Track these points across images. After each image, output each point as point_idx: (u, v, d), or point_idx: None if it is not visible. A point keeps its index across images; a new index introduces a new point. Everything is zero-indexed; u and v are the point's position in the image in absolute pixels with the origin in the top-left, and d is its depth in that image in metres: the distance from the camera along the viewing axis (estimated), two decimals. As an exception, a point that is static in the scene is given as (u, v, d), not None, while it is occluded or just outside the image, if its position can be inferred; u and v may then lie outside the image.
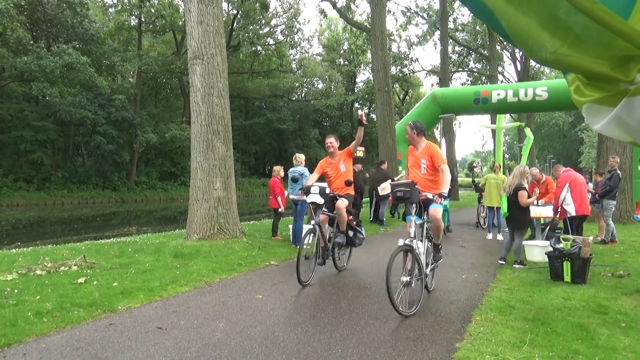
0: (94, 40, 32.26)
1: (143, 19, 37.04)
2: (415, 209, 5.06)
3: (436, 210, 5.28)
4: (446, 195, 5.12)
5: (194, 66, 9.43)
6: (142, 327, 4.20)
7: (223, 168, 9.45)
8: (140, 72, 35.60)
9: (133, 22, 37.32)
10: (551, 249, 6.49)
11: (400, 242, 4.82)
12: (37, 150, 29.26)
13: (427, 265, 5.33)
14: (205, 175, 9.28)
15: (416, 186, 5.00)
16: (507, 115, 30.26)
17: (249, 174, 46.08)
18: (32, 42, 29.03)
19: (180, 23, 35.48)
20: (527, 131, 17.52)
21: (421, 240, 5.24)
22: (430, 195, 5.13)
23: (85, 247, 8.40)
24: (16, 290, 5.16)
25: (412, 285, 4.79)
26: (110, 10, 37.59)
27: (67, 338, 3.90)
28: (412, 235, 4.92)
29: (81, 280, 5.69)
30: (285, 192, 9.62)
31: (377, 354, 3.69)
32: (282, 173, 9.70)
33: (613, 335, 4.12)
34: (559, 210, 7.98)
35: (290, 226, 9.49)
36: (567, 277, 6.19)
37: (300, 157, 9.29)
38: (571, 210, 7.71)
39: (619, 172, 9.91)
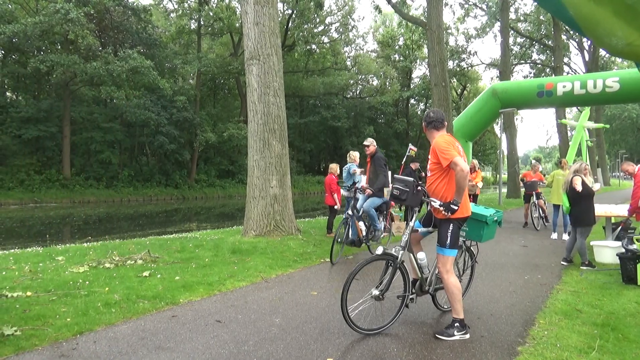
0: (157, 45, 33.79)
1: (202, 23, 38.30)
2: (416, 214, 4.21)
3: (440, 260, 4.10)
4: (457, 206, 3.92)
5: (250, 66, 9.63)
6: (202, 320, 4.35)
7: (279, 166, 9.59)
8: (199, 73, 36.83)
9: (193, 26, 38.67)
10: (623, 250, 6.09)
11: (379, 250, 4.06)
12: (105, 150, 31.04)
13: (429, 283, 4.45)
14: (262, 173, 9.46)
15: (419, 187, 4.13)
16: (574, 110, 28.72)
17: (304, 172, 46.53)
18: (100, 48, 30.78)
19: (237, 25, 36.37)
20: (581, 130, 16.46)
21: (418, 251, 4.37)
22: (436, 204, 4.01)
23: (150, 242, 8.81)
24: (87, 282, 5.50)
25: (383, 300, 4.10)
26: (171, 15, 39.18)
27: (133, 328, 4.10)
28: (403, 244, 4.13)
29: (146, 273, 5.98)
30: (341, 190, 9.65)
31: (433, 354, 3.62)
32: (338, 170, 9.77)
33: (694, 344, 3.81)
34: (636, 209, 7.40)
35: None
36: (641, 281, 5.79)
37: (354, 154, 9.25)
38: None
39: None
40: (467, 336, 4.02)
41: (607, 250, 7.38)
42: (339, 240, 7.34)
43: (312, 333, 4.04)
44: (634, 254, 5.85)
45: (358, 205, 7.62)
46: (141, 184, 32.59)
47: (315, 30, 43.56)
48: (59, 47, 29.49)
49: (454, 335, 3.98)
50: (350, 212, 7.51)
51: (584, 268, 6.93)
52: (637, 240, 5.99)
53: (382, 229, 8.06)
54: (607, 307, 4.90)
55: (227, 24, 37.53)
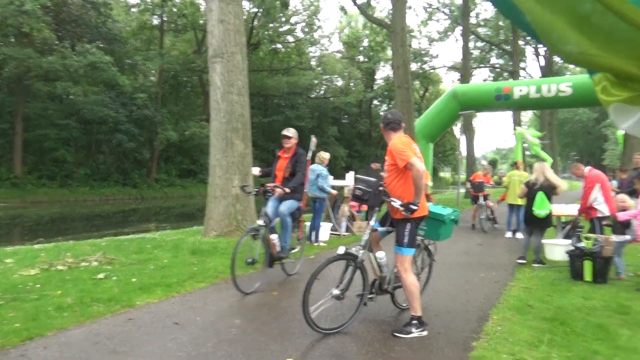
0: (117, 40, 32.76)
1: (165, 18, 37.45)
2: (376, 213, 4.26)
3: (399, 259, 4.19)
4: (416, 207, 3.99)
5: (214, 64, 9.51)
6: (159, 323, 4.27)
7: (242, 165, 9.51)
8: (161, 70, 36.00)
9: (155, 22, 37.73)
10: (572, 247, 6.37)
11: (341, 250, 4.05)
12: (60, 148, 29.87)
13: (388, 282, 4.52)
14: (224, 172, 9.36)
15: (381, 187, 4.13)
16: (529, 113, 29.75)
17: (268, 172, 46.28)
18: (57, 42, 29.62)
19: (201, 22, 35.74)
20: (520, 136, 17.06)
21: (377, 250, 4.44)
22: (396, 204, 4.03)
23: (106, 243, 8.56)
24: (38, 285, 5.28)
25: (343, 299, 4.10)
26: (132, 10, 38.11)
27: (86, 332, 3.98)
28: (363, 243, 4.17)
29: (101, 275, 5.80)
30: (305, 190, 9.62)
31: (392, 352, 3.68)
32: None
33: (634, 335, 4.03)
34: (586, 210, 7.74)
35: (307, 223, 9.52)
36: (588, 277, 6.07)
37: (324, 156, 9.21)
38: (604, 209, 7.39)
39: (644, 170, 9.65)
40: (425, 333, 4.10)
41: (557, 248, 7.69)
42: (249, 260, 5.57)
43: (272, 334, 4.03)
44: (582, 251, 6.13)
45: (269, 211, 5.87)
46: (98, 183, 31.54)
47: (281, 30, 43.35)
48: (13, 40, 28.20)
49: (412, 332, 4.06)
50: (261, 221, 5.67)
51: (536, 265, 7.20)
52: (585, 238, 6.27)
53: (304, 240, 6.92)
54: (556, 302, 5.11)
55: (190, 21, 36.85)
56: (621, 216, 6.30)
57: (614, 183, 10.68)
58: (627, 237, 6.22)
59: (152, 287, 5.39)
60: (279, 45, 43.72)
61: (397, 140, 4.17)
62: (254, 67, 41.71)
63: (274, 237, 5.87)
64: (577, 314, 4.67)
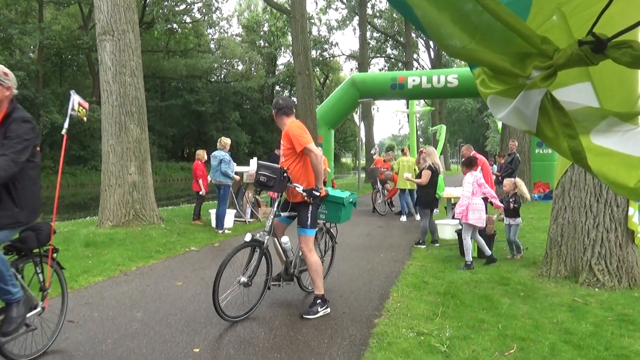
0: (-14, 10, 29.04)
1: (44, -12, 33.86)
2: (279, 199, 4.36)
3: (303, 240, 4.29)
4: (319, 192, 4.17)
5: (103, 42, 8.84)
6: (50, 322, 3.94)
7: (138, 151, 9.02)
8: (42, 47, 32.61)
9: (32, -9, 33.99)
10: (460, 227, 6.93)
11: (248, 237, 4.03)
12: None
13: (294, 266, 4.59)
14: (118, 159, 8.81)
15: (285, 174, 4.13)
16: (421, 101, 31.62)
17: (167, 158, 44.21)
18: None
19: (86, -5, 32.89)
20: (443, 129, 18.33)
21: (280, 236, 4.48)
22: (299, 189, 4.10)
23: (-18, 239, 7.68)
24: None
25: (251, 286, 4.11)
26: (4, -24, 33.93)
27: (-37, 338, 3.56)
28: (267, 229, 4.21)
29: (-22, 274, 5.21)
30: (209, 177, 9.40)
31: (299, 334, 3.78)
32: (205, 157, 9.52)
33: (513, 304, 4.54)
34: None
35: (211, 211, 9.34)
36: (474, 253, 6.67)
37: (225, 141, 9.05)
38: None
39: (517, 155, 10.77)
40: (329, 310, 4.31)
41: (447, 228, 8.34)
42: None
43: (177, 325, 3.93)
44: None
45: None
46: (-31, 172, 28.07)
47: (177, 9, 41.34)
48: None
49: (318, 312, 4.22)
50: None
51: (421, 246, 7.67)
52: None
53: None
54: (448, 278, 5.57)
55: (74, -7, 33.74)
56: (495, 202, 6.75)
57: (495, 167, 11.78)
58: (519, 219, 6.69)
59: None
60: (175, 25, 41.68)
61: (293, 124, 4.24)
62: (149, 48, 39.38)
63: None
64: (465, 287, 5.13)
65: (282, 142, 4.32)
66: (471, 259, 6.13)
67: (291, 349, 3.47)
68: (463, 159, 7.29)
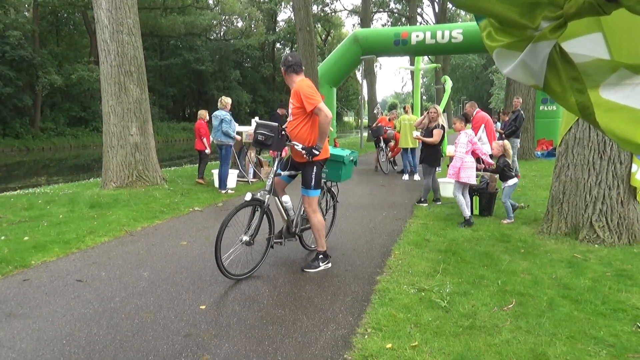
0: (-24, -34, 28.16)
1: (35, -57, 32.68)
2: (278, 158, 4.33)
3: (307, 201, 4.34)
4: (318, 151, 4.12)
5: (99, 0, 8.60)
6: (59, 281, 4.03)
7: (138, 112, 8.95)
8: (37, 4, 31.79)
9: (23, -54, 32.87)
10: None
11: (248, 196, 4.00)
12: None
13: (296, 225, 4.61)
14: (119, 120, 8.75)
15: (283, 132, 4.14)
16: (425, 58, 31.00)
17: (168, 118, 43.93)
18: None
19: (79, -51, 31.78)
20: (448, 81, 18.01)
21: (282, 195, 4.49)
22: (298, 147, 4.11)
23: (-12, 201, 7.75)
24: None
25: (253, 244, 4.16)
26: None
27: (-25, 297, 3.66)
28: (267, 188, 4.22)
29: (-14, 236, 5.29)
30: (210, 137, 9.37)
31: (302, 291, 3.85)
32: (207, 117, 9.48)
33: (513, 260, 4.60)
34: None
35: (214, 171, 9.36)
36: (476, 211, 6.72)
37: (226, 100, 8.97)
38: (487, 149, 8.08)
39: (522, 112, 10.64)
40: (329, 265, 4.43)
41: (449, 186, 8.33)
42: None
43: (183, 283, 4.01)
44: (471, 187, 6.71)
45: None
46: (-30, 134, 28.02)
47: (173, -37, 40.07)
48: None
49: (319, 266, 4.34)
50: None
51: (422, 205, 7.71)
52: (477, 177, 6.84)
53: None
54: (449, 235, 5.63)
55: (66, -52, 32.57)
56: (486, 159, 6.67)
57: (498, 125, 11.66)
58: (515, 180, 6.66)
59: (48, 245, 5.04)
60: (172, -19, 40.50)
61: (304, 83, 4.17)
62: (145, 5, 38.39)
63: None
64: (466, 245, 5.19)
65: (291, 100, 4.24)
66: (468, 214, 6.18)
67: (295, 305, 3.55)
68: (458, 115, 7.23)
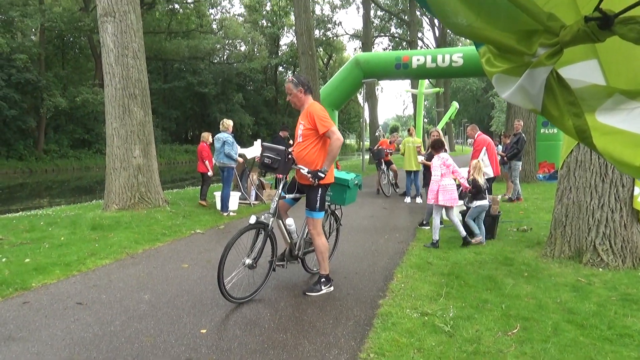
0: (-14, -8, 28.80)
1: (43, -30, 33.47)
2: (283, 181, 4.33)
3: (311, 223, 4.31)
4: (323, 175, 4.09)
5: (104, 24, 8.77)
6: (60, 304, 4.01)
7: (142, 134, 9.02)
8: (43, 29, 32.38)
9: (31, -27, 33.61)
10: (465, 207, 6.93)
11: (252, 220, 4.01)
12: None
13: (298, 247, 4.61)
14: (122, 142, 8.82)
15: (290, 156, 4.16)
16: (427, 81, 31.26)
17: (171, 140, 44.22)
18: None
19: (86, -24, 32.52)
20: (454, 105, 18.16)
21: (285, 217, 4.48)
22: (304, 171, 4.12)
23: (-10, 222, 7.76)
24: None
25: (256, 268, 4.13)
26: (3, -42, 33.53)
27: (-26, 320, 3.63)
28: (272, 211, 4.20)
29: (-13, 258, 5.28)
30: (213, 160, 9.43)
31: (304, 314, 3.81)
32: (210, 139, 9.57)
33: (517, 284, 4.56)
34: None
35: (216, 193, 9.38)
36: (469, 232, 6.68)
37: (228, 122, 9.06)
38: (489, 172, 8.11)
39: (523, 135, 10.69)
40: (332, 289, 4.40)
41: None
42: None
43: (184, 306, 3.98)
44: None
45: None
46: (-25, 156, 28.17)
47: (178, -11, 40.90)
48: None
49: (321, 290, 4.31)
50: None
51: (425, 228, 7.66)
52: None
53: None
54: (452, 259, 5.59)
55: (74, -25, 33.35)
56: (463, 183, 6.60)
57: (500, 148, 11.69)
58: (483, 202, 6.49)
59: (49, 267, 5.02)
60: (176, 6, 41.27)
61: (317, 106, 4.24)
62: (150, 29, 39.10)
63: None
64: (469, 268, 5.15)
65: (301, 121, 4.25)
66: (464, 233, 6.25)
67: (296, 329, 3.51)
68: (431, 141, 7.32)
